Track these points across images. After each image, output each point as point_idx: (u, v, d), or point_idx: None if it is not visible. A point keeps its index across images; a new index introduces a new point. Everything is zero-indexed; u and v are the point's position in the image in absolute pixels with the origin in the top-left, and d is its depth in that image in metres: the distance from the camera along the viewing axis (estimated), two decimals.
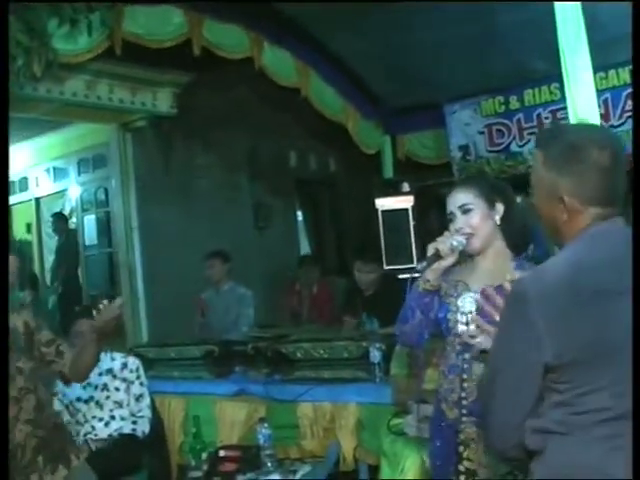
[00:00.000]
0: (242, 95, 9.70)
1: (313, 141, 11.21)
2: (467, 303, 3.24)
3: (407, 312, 3.29)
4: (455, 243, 3.20)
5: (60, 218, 11.10)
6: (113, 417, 5.46)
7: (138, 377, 5.63)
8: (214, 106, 9.48)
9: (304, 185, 12.05)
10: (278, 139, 10.78)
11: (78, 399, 5.48)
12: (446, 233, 3.25)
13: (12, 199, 11.34)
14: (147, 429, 5.55)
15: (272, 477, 4.69)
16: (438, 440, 3.34)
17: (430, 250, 3.19)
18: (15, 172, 11.23)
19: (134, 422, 5.51)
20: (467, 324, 3.14)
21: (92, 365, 4.19)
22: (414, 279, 3.28)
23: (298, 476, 4.75)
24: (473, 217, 3.26)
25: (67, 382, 4.42)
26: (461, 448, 3.23)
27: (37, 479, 3.74)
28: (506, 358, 2.13)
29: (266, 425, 4.95)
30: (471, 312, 3.13)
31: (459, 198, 3.31)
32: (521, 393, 2.10)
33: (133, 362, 5.68)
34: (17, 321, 3.91)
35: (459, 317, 3.24)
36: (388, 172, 9.86)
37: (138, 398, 5.59)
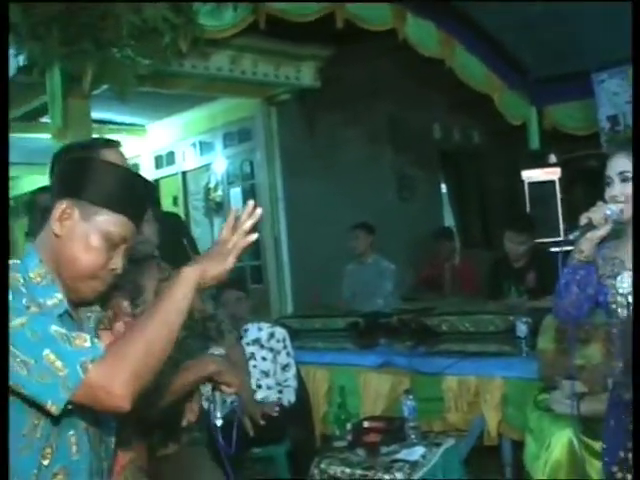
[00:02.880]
0: (385, 67, 9.66)
1: (457, 112, 11.08)
2: (625, 283, 3.08)
3: (562, 287, 3.17)
4: (609, 212, 3.00)
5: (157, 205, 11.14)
6: (260, 386, 5.55)
7: (285, 347, 5.71)
8: (357, 79, 9.47)
9: (448, 157, 11.94)
10: (422, 111, 10.70)
11: None
12: (599, 203, 3.10)
13: (159, 173, 11.66)
14: (293, 398, 5.63)
15: (415, 449, 4.68)
16: (612, 420, 3.22)
17: (583, 220, 3.04)
18: (162, 147, 11.50)
19: (280, 391, 5.60)
20: (628, 306, 3.01)
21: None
22: (566, 253, 3.16)
23: (442, 449, 4.72)
24: (630, 187, 3.04)
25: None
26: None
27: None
28: None
29: (411, 397, 4.94)
30: (630, 293, 3.00)
31: (620, 164, 3.09)
32: None
33: (280, 332, 5.76)
34: None
35: (619, 299, 3.09)
36: (534, 143, 9.65)
37: (284, 368, 5.67)
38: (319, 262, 8.93)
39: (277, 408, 4.47)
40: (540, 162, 9.88)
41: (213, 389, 2.81)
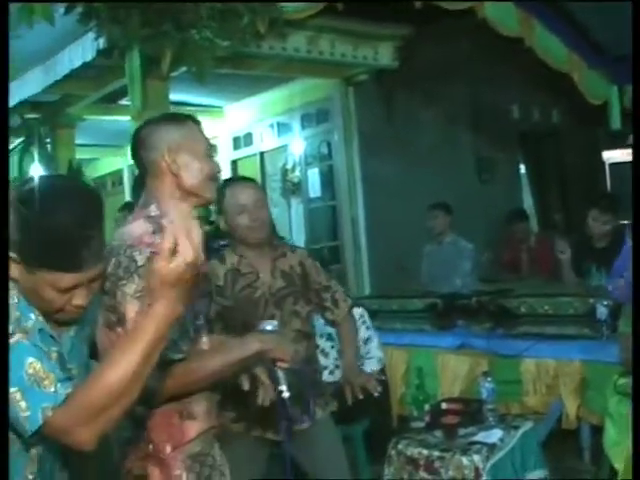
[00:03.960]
0: (463, 47, 9.57)
1: (536, 92, 10.94)
2: None
3: (620, 266, 3.14)
4: None
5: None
6: (338, 366, 5.56)
7: (364, 322, 5.70)
8: (435, 59, 9.40)
9: (527, 137, 11.80)
10: (500, 91, 10.57)
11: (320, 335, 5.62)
12: None
13: (237, 154, 11.74)
14: (376, 367, 5.63)
15: (493, 432, 4.66)
16: None
17: None
18: (240, 128, 11.56)
19: (361, 364, 5.59)
20: None
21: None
22: None
23: (520, 432, 4.69)
24: None
25: (332, 326, 4.53)
26: None
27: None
28: None
29: (489, 379, 4.92)
30: None
31: None
32: None
33: (356, 311, 5.75)
34: (292, 263, 4.03)
35: None
36: (615, 123, 9.47)
37: (366, 341, 5.66)
38: (397, 243, 8.91)
39: (380, 388, 4.46)
40: (621, 142, 9.70)
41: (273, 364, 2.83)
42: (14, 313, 2.07)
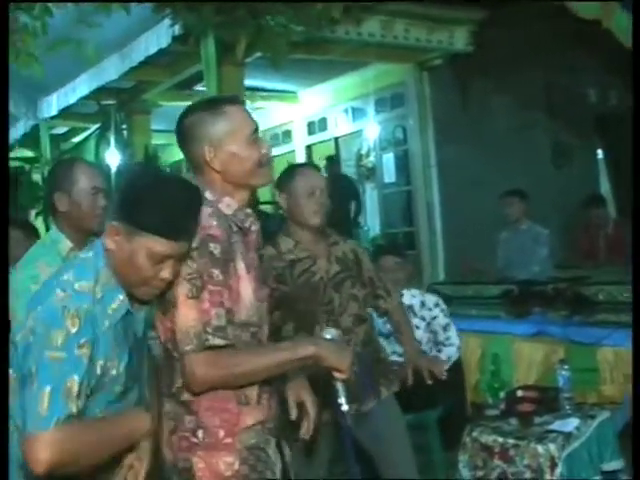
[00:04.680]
0: (539, 30, 9.43)
1: (613, 76, 10.74)
2: None
3: None
4: None
5: (332, 162, 11.25)
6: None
7: (441, 310, 5.66)
8: (511, 43, 9.28)
9: (604, 122, 11.60)
10: (576, 75, 10.41)
11: (379, 333, 5.61)
12: None
13: (312, 139, 11.77)
14: (454, 355, 5.61)
15: (569, 421, 4.60)
16: None
17: None
18: (314, 113, 11.59)
19: (439, 350, 5.57)
20: None
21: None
22: None
23: (596, 422, 4.63)
24: None
25: (382, 315, 4.54)
26: None
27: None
28: None
29: (566, 367, 4.85)
30: None
31: None
32: None
33: (430, 299, 5.73)
34: (345, 250, 4.05)
35: None
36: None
37: (445, 327, 5.63)
38: (472, 228, 8.84)
39: (445, 373, 4.46)
40: None
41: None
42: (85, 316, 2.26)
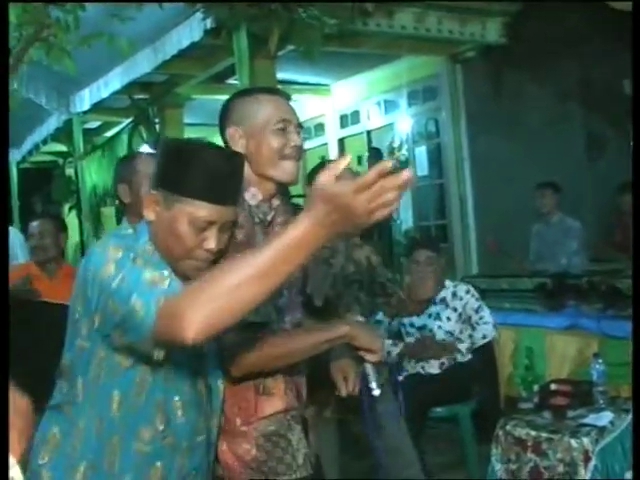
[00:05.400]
0: (574, 22, 9.37)
1: None
2: None
3: None
4: None
5: (375, 154, 11.30)
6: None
7: (472, 295, 5.64)
8: (544, 35, 9.22)
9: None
10: (611, 66, 10.33)
11: (411, 325, 5.61)
12: None
13: (344, 132, 11.77)
14: (490, 334, 5.59)
15: (603, 414, 4.58)
16: None
17: None
18: (347, 106, 11.58)
19: (472, 333, 5.55)
20: None
21: (429, 297, 4.29)
22: None
23: (630, 416, 4.60)
24: None
25: (391, 318, 4.55)
26: None
27: None
28: None
29: (600, 361, 4.83)
30: None
31: None
32: None
33: (461, 288, 5.70)
34: (361, 256, 4.07)
35: None
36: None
37: (477, 309, 5.60)
38: (505, 221, 8.81)
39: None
40: None
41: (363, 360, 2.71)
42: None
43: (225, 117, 2.68)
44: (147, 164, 3.40)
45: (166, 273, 2.13)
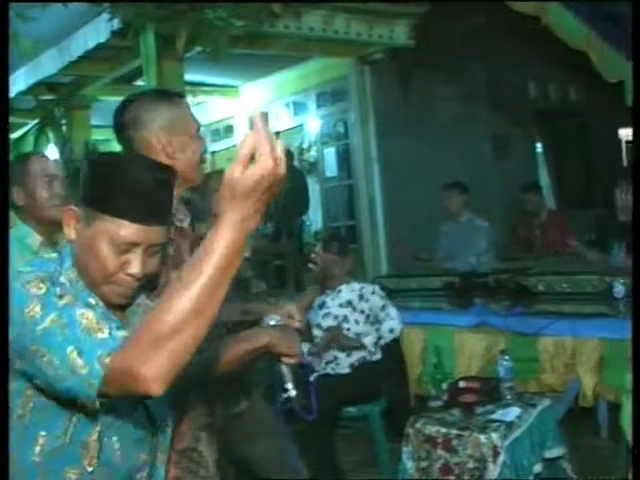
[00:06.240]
0: (480, 25, 9.50)
1: (553, 70, 10.88)
2: None
3: None
4: None
5: (285, 155, 11.34)
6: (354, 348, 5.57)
7: (379, 295, 5.68)
8: (451, 36, 9.34)
9: (543, 115, 11.74)
10: (517, 68, 10.52)
11: (318, 326, 5.63)
12: None
13: None
14: (397, 328, 5.64)
15: (511, 410, 4.65)
16: None
17: None
18: (256, 107, 11.55)
19: (378, 327, 5.59)
20: None
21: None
22: None
23: (537, 410, 4.68)
24: None
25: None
26: None
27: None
28: None
29: (507, 357, 4.91)
30: None
31: None
32: None
33: (367, 290, 5.74)
34: None
35: None
36: (631, 101, 9.41)
37: (383, 307, 5.65)
38: (414, 222, 8.90)
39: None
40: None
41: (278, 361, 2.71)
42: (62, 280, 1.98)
43: (140, 119, 2.58)
44: (41, 165, 3.35)
45: (93, 302, 1.98)
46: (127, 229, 1.96)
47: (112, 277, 2.00)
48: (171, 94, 2.70)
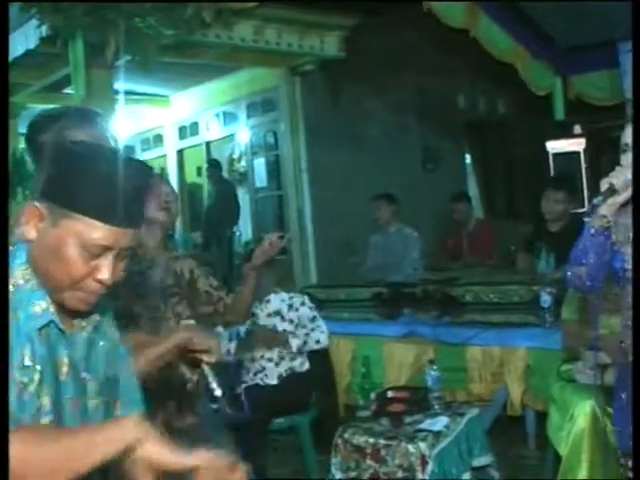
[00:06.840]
0: (410, 37, 9.58)
1: (482, 83, 11.01)
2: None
3: (579, 253, 3.10)
4: (630, 177, 2.96)
5: (214, 166, 11.40)
6: (282, 357, 5.56)
7: (308, 307, 5.69)
8: (382, 49, 9.41)
9: (473, 127, 11.87)
10: (447, 81, 10.63)
11: (248, 333, 5.62)
12: (618, 168, 3.02)
13: (183, 143, 11.69)
14: (323, 340, 5.64)
15: (439, 419, 4.68)
16: (623, 393, 3.17)
17: (604, 185, 2.96)
18: (186, 117, 11.51)
19: (308, 332, 5.59)
20: None
21: (250, 303, 4.25)
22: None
23: (465, 419, 4.72)
24: None
25: (227, 325, 4.50)
26: None
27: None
28: None
29: (435, 367, 4.94)
30: None
31: None
32: None
33: (297, 300, 5.74)
34: (182, 267, 3.99)
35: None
36: (559, 114, 9.54)
37: (312, 319, 5.65)
38: (343, 233, 8.93)
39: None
40: (565, 133, 9.78)
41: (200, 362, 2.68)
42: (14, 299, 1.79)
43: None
44: None
45: (44, 304, 1.81)
46: (100, 231, 1.76)
47: (79, 282, 1.80)
48: (92, 113, 2.67)
